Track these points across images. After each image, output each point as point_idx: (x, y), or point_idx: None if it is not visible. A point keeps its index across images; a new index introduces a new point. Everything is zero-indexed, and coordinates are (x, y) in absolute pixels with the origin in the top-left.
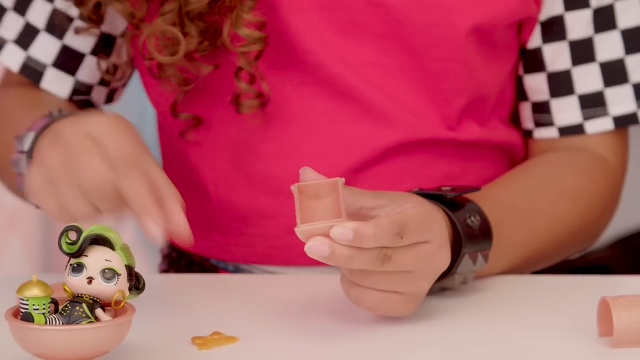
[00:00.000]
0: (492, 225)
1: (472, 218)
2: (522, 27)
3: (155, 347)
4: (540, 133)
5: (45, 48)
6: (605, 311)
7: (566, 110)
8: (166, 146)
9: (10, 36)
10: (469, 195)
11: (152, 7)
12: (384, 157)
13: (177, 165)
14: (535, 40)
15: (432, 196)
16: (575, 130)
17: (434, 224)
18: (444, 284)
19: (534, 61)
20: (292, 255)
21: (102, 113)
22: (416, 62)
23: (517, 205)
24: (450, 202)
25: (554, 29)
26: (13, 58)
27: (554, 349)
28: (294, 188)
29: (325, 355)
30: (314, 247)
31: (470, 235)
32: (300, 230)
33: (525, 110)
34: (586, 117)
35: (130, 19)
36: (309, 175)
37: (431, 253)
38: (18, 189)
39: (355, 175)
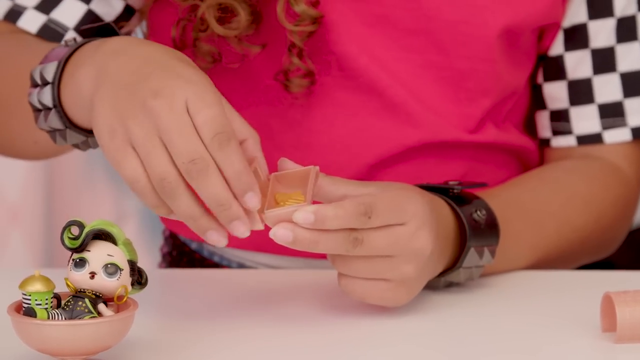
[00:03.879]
0: (499, 222)
1: (479, 212)
2: (543, 33)
3: (158, 342)
4: (558, 141)
5: (69, 11)
6: (608, 307)
7: (585, 119)
8: None
9: (30, 3)
10: (478, 193)
11: None
12: (403, 155)
13: None
14: (557, 47)
15: (439, 190)
16: (593, 139)
17: (407, 205)
18: (449, 279)
19: (555, 68)
20: None
21: (138, 40)
22: (444, 60)
23: (527, 205)
24: (457, 197)
25: (577, 37)
26: (32, 21)
27: (557, 344)
28: (270, 177)
29: (326, 349)
30: (278, 233)
31: (476, 229)
32: (265, 216)
33: (543, 119)
34: (605, 127)
35: None
36: (287, 165)
37: (408, 235)
38: (40, 126)
39: (372, 171)
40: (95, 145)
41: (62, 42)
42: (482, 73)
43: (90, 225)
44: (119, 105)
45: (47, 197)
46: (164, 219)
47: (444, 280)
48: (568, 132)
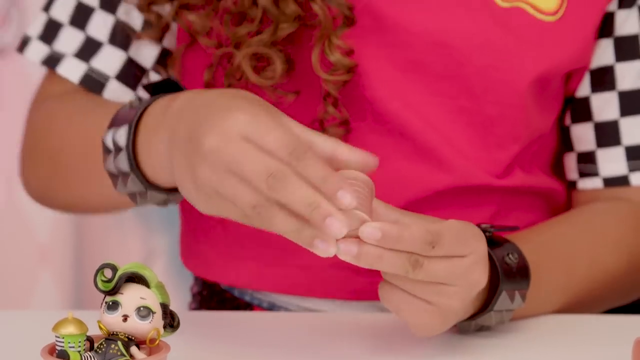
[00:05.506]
0: (530, 267)
1: (511, 256)
2: (571, 76)
3: None
4: (585, 184)
5: (109, 60)
6: None
7: (612, 161)
8: None
9: (69, 50)
10: (509, 237)
11: (215, 24)
12: (432, 199)
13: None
14: (584, 89)
15: None
16: (620, 181)
17: (471, 239)
18: (480, 322)
19: (581, 110)
20: (334, 288)
21: (199, 92)
22: (474, 106)
23: (557, 249)
24: (489, 240)
25: (604, 79)
26: (73, 70)
27: None
28: None
29: None
30: (343, 247)
31: (508, 273)
32: None
33: (570, 162)
34: (632, 169)
35: (195, 33)
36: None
37: (465, 267)
38: (119, 190)
39: None
40: (178, 199)
41: (127, 104)
42: (511, 119)
43: (123, 268)
44: (188, 160)
45: (77, 236)
46: (187, 259)
47: (475, 323)
48: (594, 174)
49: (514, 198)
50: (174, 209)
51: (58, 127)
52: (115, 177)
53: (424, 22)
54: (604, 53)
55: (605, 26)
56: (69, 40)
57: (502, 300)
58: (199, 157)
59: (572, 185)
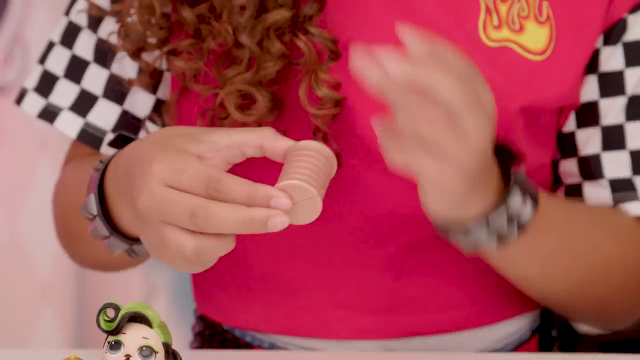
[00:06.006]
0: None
1: (522, 172)
2: (561, 112)
3: None
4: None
5: (104, 114)
6: None
7: (597, 194)
8: None
9: (65, 104)
10: None
11: (205, 68)
12: (433, 236)
13: None
14: (569, 124)
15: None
16: None
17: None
18: (496, 218)
19: (568, 145)
20: (337, 328)
21: (135, 144)
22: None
23: (561, 208)
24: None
25: (588, 114)
26: (70, 125)
27: None
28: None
29: None
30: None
31: (520, 177)
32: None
33: (559, 193)
34: (616, 201)
35: (185, 79)
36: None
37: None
38: (109, 251)
39: (404, 251)
40: None
41: (97, 164)
42: None
43: (126, 308)
44: (137, 223)
45: (79, 272)
46: (199, 301)
47: (487, 229)
48: None
49: None
50: None
51: (63, 196)
52: (103, 239)
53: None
54: (588, 89)
55: (591, 62)
56: (65, 93)
57: (514, 197)
58: (139, 218)
59: None
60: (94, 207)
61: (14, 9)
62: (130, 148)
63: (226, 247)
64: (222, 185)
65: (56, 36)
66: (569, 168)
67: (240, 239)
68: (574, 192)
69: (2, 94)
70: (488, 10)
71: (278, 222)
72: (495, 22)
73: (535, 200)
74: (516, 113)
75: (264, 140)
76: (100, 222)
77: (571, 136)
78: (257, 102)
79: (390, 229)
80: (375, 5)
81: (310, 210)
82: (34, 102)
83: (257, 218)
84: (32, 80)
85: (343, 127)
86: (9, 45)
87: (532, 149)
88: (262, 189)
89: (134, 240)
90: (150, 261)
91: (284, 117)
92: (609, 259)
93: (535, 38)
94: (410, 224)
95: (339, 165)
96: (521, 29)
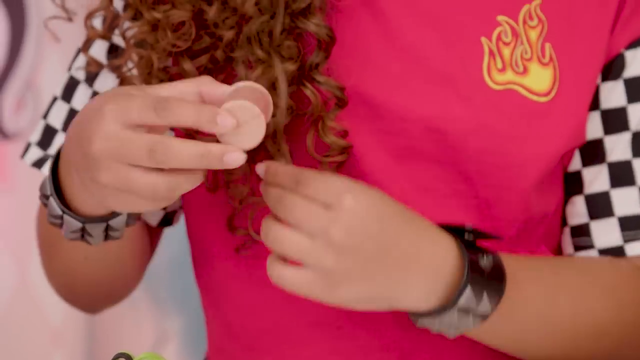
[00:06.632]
0: (507, 277)
1: (485, 257)
2: (566, 153)
3: None
4: (581, 256)
5: None
6: None
7: (606, 233)
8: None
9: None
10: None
11: None
12: None
13: (219, 314)
14: (575, 163)
15: (454, 230)
16: (615, 252)
17: (347, 195)
18: (443, 319)
19: (573, 184)
20: None
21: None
22: (469, 189)
23: (543, 274)
24: (470, 243)
25: (593, 152)
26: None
27: None
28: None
29: None
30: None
31: (476, 271)
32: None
33: (565, 236)
34: (626, 240)
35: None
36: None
37: (327, 218)
38: (66, 236)
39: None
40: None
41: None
42: (508, 202)
43: (138, 358)
44: (90, 174)
45: (90, 319)
46: (211, 354)
47: (439, 321)
48: (590, 246)
49: None
50: (186, 292)
51: (41, 216)
52: (58, 225)
53: (416, 108)
54: (592, 127)
55: (593, 99)
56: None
57: (467, 297)
58: (94, 166)
59: None
60: (47, 188)
61: (26, 56)
62: (75, 116)
63: (196, 181)
64: (168, 104)
65: (58, 91)
66: (576, 208)
67: (250, 288)
68: (581, 232)
69: (13, 140)
70: (492, 54)
71: (235, 157)
72: (499, 65)
73: (499, 286)
74: (523, 159)
75: (202, 87)
76: (53, 202)
77: (577, 175)
78: (268, 152)
79: None
80: (379, 51)
81: (255, 131)
82: (34, 155)
83: (214, 152)
84: (35, 134)
85: (350, 174)
86: (21, 91)
87: (537, 196)
88: (208, 108)
89: (87, 219)
90: (161, 307)
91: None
92: (601, 325)
93: (539, 80)
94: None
95: None
96: (525, 71)
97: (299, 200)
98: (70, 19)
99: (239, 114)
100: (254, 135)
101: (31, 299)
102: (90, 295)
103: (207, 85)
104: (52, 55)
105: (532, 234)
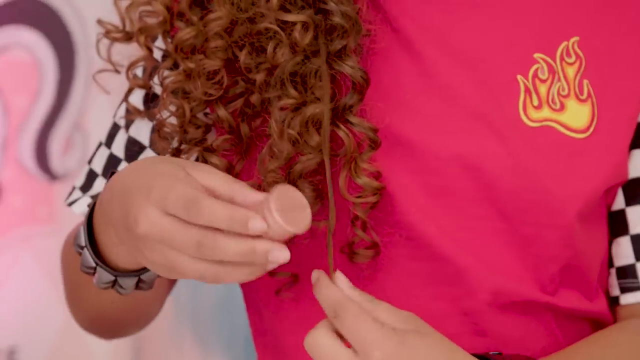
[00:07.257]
0: None
1: None
2: (609, 190)
3: None
4: (627, 299)
5: None
6: None
7: None
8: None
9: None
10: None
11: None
12: (475, 321)
13: (267, 340)
14: (618, 202)
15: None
16: None
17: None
18: None
19: (618, 224)
20: None
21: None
22: (509, 227)
23: None
24: None
25: (638, 191)
26: (80, 206)
27: None
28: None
29: None
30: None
31: None
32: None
33: (612, 277)
34: None
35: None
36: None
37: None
38: (98, 286)
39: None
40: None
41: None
42: (548, 239)
43: None
44: (133, 245)
45: (135, 356)
46: None
47: None
48: (636, 288)
49: (572, 325)
50: (231, 332)
51: (66, 253)
52: (90, 274)
53: (452, 147)
54: (636, 164)
55: (636, 136)
56: (99, 188)
57: None
58: (139, 242)
59: (614, 301)
60: (81, 239)
61: (74, 97)
62: (120, 175)
63: (248, 275)
64: (201, 208)
65: (103, 137)
66: (621, 248)
67: (294, 329)
68: (627, 274)
69: (63, 181)
70: (527, 91)
71: (278, 256)
72: (536, 102)
73: None
74: (562, 196)
75: (236, 198)
76: (87, 254)
77: (622, 214)
78: (303, 192)
79: (433, 318)
80: (414, 92)
81: (302, 220)
82: (76, 198)
83: (259, 251)
84: (80, 179)
85: (383, 216)
86: (69, 132)
87: (582, 234)
88: (240, 214)
89: (120, 273)
90: (207, 347)
91: (325, 206)
92: None
93: (577, 116)
94: (453, 310)
95: (378, 253)
96: (562, 107)
97: (327, 340)
98: (117, 71)
99: (285, 203)
100: (300, 224)
101: (78, 341)
102: (114, 330)
103: (240, 195)
104: (101, 97)
105: (585, 277)
